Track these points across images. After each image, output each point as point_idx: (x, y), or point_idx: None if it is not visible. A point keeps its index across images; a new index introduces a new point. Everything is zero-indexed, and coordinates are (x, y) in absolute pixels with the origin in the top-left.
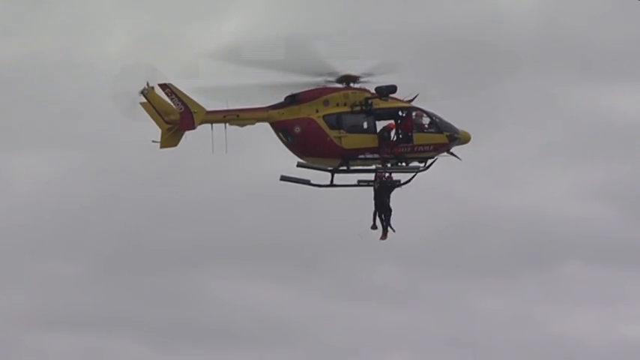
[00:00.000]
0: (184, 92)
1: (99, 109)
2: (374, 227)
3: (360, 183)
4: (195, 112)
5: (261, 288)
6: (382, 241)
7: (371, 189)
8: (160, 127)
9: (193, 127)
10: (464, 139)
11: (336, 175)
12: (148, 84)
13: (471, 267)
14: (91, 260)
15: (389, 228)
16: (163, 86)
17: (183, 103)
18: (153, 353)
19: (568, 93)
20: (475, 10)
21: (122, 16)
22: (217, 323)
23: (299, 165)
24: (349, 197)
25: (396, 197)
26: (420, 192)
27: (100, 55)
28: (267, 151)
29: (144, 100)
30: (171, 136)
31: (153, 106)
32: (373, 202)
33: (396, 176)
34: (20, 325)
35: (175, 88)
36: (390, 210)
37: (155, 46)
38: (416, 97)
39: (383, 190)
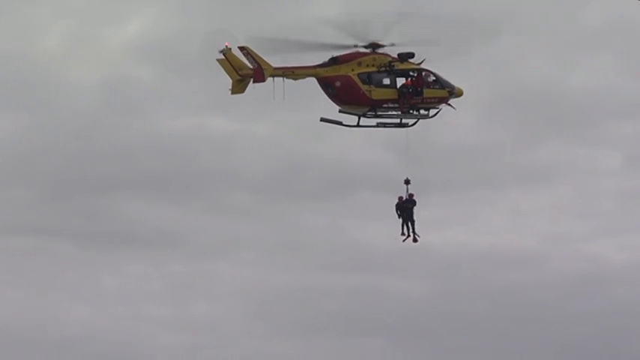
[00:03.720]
0: (257, 53)
1: (43, 83)
2: (403, 234)
3: (379, 125)
4: (265, 69)
5: (157, 207)
6: (415, 243)
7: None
8: (232, 78)
9: (264, 80)
10: (459, 93)
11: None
12: (226, 45)
13: (298, 194)
14: (40, 187)
15: (415, 234)
16: (242, 48)
17: (256, 61)
18: (81, 252)
19: None
20: None
21: (55, 20)
22: (126, 231)
23: (340, 111)
24: (222, 147)
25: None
26: (266, 143)
27: (40, 47)
28: (164, 115)
29: (221, 57)
30: (240, 86)
31: (229, 62)
32: (399, 214)
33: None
34: None
35: (251, 49)
36: (414, 220)
37: (81, 41)
38: (423, 60)
39: (408, 204)
